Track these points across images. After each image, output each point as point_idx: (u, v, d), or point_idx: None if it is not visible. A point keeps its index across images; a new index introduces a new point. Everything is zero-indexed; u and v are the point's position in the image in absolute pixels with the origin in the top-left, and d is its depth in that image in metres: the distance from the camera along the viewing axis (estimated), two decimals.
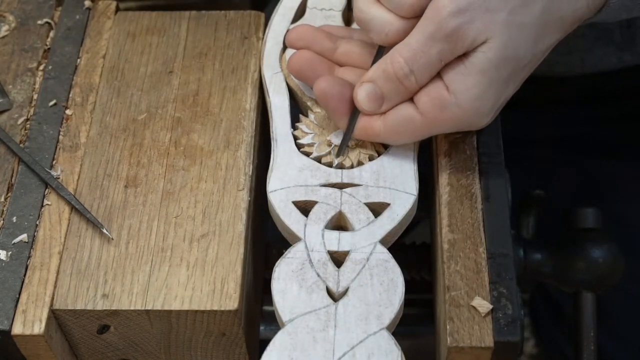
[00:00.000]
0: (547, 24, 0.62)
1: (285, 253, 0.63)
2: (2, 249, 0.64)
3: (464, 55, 0.62)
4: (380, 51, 0.65)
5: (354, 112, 0.66)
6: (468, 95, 0.62)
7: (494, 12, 0.60)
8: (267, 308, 0.81)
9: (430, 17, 0.61)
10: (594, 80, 0.95)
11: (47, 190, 0.67)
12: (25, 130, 0.71)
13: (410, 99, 0.64)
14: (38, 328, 0.61)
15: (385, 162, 0.67)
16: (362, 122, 0.65)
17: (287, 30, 0.73)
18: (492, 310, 0.61)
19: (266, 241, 0.84)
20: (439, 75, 0.63)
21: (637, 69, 0.93)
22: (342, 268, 0.62)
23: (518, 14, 0.61)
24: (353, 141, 0.67)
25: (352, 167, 0.67)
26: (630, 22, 0.89)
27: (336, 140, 0.68)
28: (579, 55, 0.92)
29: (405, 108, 0.64)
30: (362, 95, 0.64)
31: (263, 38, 0.75)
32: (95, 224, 0.65)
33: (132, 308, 0.61)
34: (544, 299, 1.03)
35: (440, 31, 0.60)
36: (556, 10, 0.62)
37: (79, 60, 0.75)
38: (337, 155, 0.67)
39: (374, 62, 0.65)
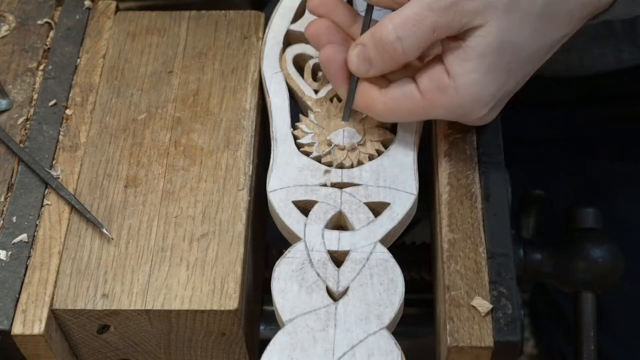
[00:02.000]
0: (552, 16, 0.62)
1: (285, 253, 0.63)
2: (2, 249, 0.64)
3: (462, 40, 0.61)
4: (369, 10, 0.66)
5: (352, 78, 0.66)
6: (467, 80, 0.62)
7: None
8: (267, 308, 0.81)
9: None
10: (593, 81, 0.95)
11: (47, 190, 0.67)
12: (25, 130, 0.71)
13: (414, 78, 0.64)
14: (38, 328, 0.61)
15: (385, 162, 0.67)
16: (362, 92, 0.66)
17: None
18: (492, 310, 0.61)
19: (266, 241, 0.84)
20: (440, 59, 0.63)
21: (635, 70, 0.93)
22: (342, 268, 0.62)
23: (521, 2, 0.61)
24: (353, 140, 0.67)
25: (352, 166, 0.67)
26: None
27: (336, 140, 0.68)
28: (578, 53, 0.92)
29: (407, 85, 0.64)
30: (353, 55, 0.65)
31: (263, 38, 0.75)
32: (95, 224, 0.65)
33: (132, 308, 0.61)
34: (544, 299, 1.03)
35: (439, 1, 0.60)
36: (563, 3, 0.62)
37: (79, 60, 0.75)
38: (343, 119, 0.67)
39: (364, 22, 0.66)
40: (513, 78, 0.63)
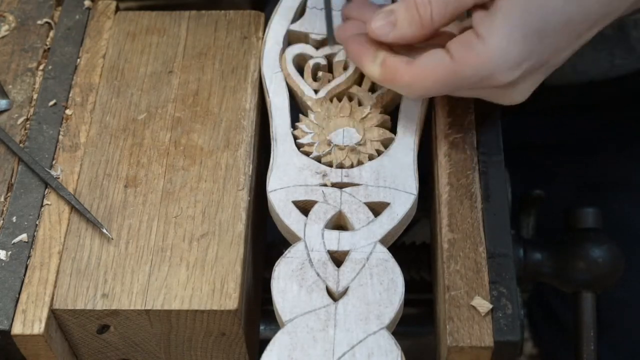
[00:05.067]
0: None
1: (285, 253, 0.63)
2: (2, 248, 0.64)
3: (491, 2, 0.61)
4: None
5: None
6: (495, 38, 0.61)
7: None
8: (267, 308, 0.81)
9: None
10: (588, 89, 0.94)
11: (47, 190, 0.67)
12: (25, 130, 0.71)
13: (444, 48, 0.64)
14: (38, 328, 0.61)
15: (385, 162, 0.67)
16: (387, 64, 0.65)
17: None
18: (492, 310, 0.61)
19: (267, 241, 0.84)
20: (470, 27, 0.62)
21: (629, 77, 0.93)
22: (342, 268, 0.62)
23: None
24: (353, 140, 0.67)
25: (352, 166, 0.67)
26: None
27: (336, 139, 0.68)
28: (570, 60, 0.92)
29: (437, 51, 0.63)
30: (379, 18, 0.65)
31: (263, 38, 0.75)
32: (95, 224, 0.65)
33: (132, 308, 0.61)
34: (540, 306, 1.03)
35: None
36: None
37: (78, 60, 0.75)
38: (328, 44, 0.68)
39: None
40: (547, 45, 0.63)
